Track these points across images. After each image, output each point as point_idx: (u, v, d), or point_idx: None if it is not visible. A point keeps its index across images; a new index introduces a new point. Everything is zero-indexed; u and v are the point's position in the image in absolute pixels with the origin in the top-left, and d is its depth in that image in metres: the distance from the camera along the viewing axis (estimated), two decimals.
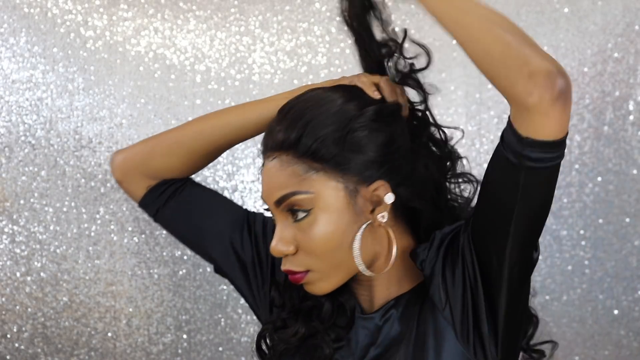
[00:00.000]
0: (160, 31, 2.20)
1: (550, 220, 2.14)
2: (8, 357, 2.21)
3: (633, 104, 2.16)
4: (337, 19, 2.20)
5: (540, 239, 1.21)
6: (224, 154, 2.20)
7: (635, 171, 2.18)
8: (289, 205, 1.14)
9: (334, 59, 2.20)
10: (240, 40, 2.20)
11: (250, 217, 1.35)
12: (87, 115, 2.19)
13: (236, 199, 2.21)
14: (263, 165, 1.19)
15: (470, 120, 2.17)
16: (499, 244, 1.10)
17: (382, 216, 1.16)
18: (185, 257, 2.22)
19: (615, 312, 2.20)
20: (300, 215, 1.14)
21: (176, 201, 1.35)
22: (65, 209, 2.20)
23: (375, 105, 1.18)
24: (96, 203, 2.20)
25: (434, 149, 1.28)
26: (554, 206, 2.13)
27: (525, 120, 1.01)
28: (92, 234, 2.20)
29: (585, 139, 2.17)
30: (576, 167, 2.16)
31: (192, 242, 1.38)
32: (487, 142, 2.17)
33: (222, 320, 2.23)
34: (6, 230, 2.20)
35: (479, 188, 1.18)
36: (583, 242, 2.20)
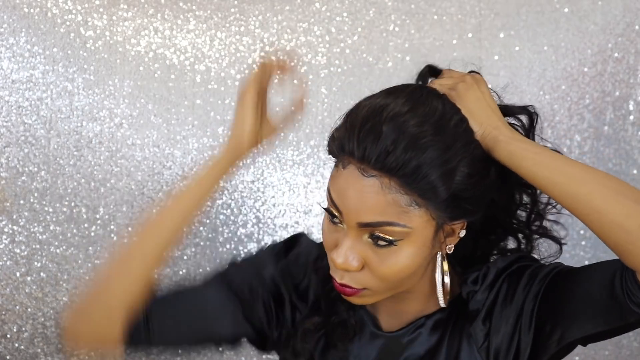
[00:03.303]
0: (160, 31, 2.20)
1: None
2: (8, 357, 2.21)
3: (633, 104, 2.16)
4: (337, 18, 2.21)
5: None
6: None
7: (635, 171, 2.18)
8: (377, 231, 1.04)
9: (334, 59, 2.20)
10: (240, 40, 2.20)
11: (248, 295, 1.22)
12: (87, 115, 2.19)
13: (236, 199, 2.21)
14: (344, 167, 1.04)
15: None
16: (569, 335, 1.09)
17: (450, 248, 1.11)
18: (185, 257, 2.22)
19: None
20: (383, 242, 1.04)
21: (158, 319, 1.18)
22: (65, 209, 2.20)
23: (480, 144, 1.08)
24: (96, 203, 2.20)
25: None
26: None
27: None
28: (92, 234, 2.20)
29: (585, 139, 2.17)
30: None
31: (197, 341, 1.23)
32: None
33: None
34: (6, 230, 2.20)
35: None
36: (583, 242, 2.19)
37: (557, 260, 1.18)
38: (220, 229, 2.21)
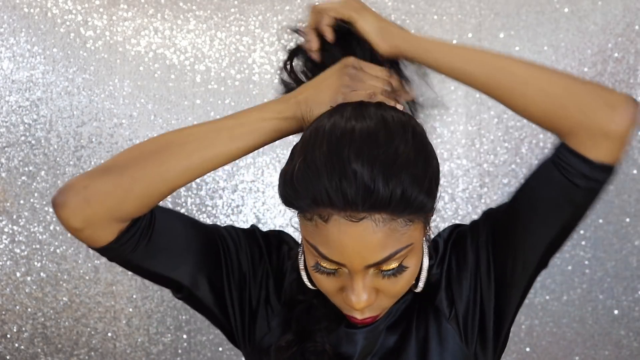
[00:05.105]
0: (160, 31, 2.20)
1: None
2: (8, 357, 2.21)
3: None
4: None
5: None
6: None
7: (635, 171, 2.18)
8: (384, 266, 1.02)
9: None
10: (240, 40, 2.20)
11: (229, 235, 1.21)
12: (87, 115, 2.19)
13: (236, 198, 2.21)
14: (325, 220, 0.98)
15: (470, 120, 2.17)
16: (532, 253, 1.11)
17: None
18: None
19: (615, 312, 2.20)
20: (391, 270, 1.02)
21: (149, 243, 1.13)
22: None
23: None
24: None
25: None
26: None
27: (600, 146, 1.02)
28: None
29: None
30: None
31: (160, 275, 1.22)
32: (487, 142, 2.17)
33: None
34: (6, 230, 2.20)
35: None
36: (583, 242, 2.19)
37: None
38: None
